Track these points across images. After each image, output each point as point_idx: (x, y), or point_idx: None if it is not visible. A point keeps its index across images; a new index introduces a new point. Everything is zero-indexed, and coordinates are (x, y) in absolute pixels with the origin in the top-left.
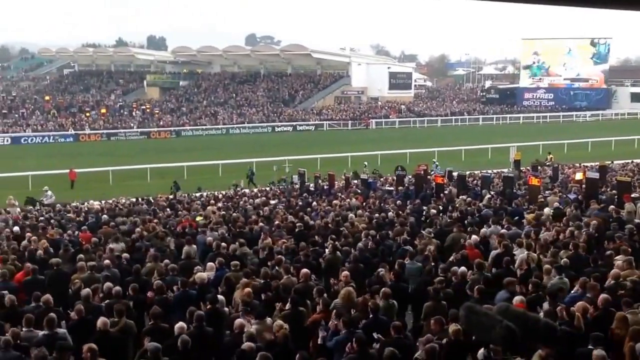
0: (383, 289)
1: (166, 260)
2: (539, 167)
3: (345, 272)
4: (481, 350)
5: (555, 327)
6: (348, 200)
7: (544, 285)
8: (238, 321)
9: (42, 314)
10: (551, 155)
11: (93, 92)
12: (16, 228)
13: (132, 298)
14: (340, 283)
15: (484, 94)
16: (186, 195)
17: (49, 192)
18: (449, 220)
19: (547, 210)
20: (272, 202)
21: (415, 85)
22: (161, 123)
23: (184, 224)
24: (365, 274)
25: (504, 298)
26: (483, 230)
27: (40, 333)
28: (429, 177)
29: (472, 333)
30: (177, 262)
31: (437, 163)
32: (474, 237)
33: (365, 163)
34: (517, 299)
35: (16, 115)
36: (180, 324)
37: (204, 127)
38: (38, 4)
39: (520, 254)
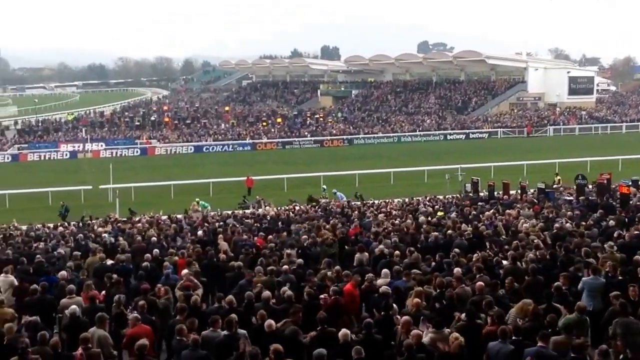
0: (578, 303)
1: (337, 267)
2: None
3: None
4: None
5: None
6: (522, 210)
7: None
8: (415, 332)
9: (224, 315)
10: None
11: (269, 102)
12: (200, 232)
13: (306, 303)
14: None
15: None
16: (360, 202)
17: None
18: (635, 233)
19: None
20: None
21: (597, 90)
22: (334, 131)
23: (352, 232)
24: (543, 286)
25: None
26: None
27: (222, 333)
28: (612, 186)
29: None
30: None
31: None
32: None
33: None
34: None
35: (198, 125)
36: (344, 330)
37: (375, 135)
38: (219, 21)
39: None
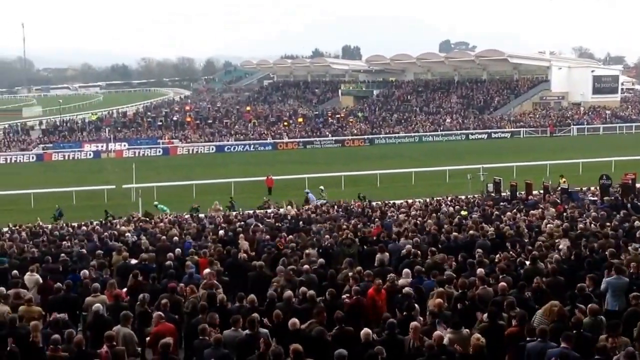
0: (590, 305)
1: (359, 267)
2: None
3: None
4: None
5: None
6: (546, 210)
7: None
8: (437, 333)
9: (245, 314)
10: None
11: (291, 102)
12: (221, 232)
13: (328, 303)
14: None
15: None
16: (379, 202)
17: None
18: None
19: None
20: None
21: (622, 89)
22: (355, 131)
23: (375, 232)
24: (566, 287)
25: None
26: None
27: (244, 332)
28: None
29: None
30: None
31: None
32: None
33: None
34: None
35: (220, 125)
36: (366, 330)
37: (397, 135)
38: (240, 20)
39: None
